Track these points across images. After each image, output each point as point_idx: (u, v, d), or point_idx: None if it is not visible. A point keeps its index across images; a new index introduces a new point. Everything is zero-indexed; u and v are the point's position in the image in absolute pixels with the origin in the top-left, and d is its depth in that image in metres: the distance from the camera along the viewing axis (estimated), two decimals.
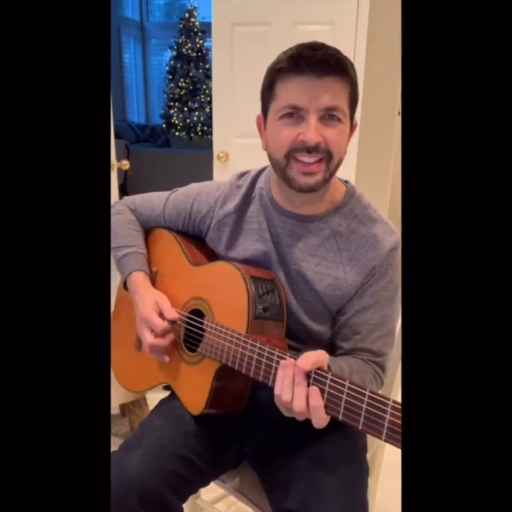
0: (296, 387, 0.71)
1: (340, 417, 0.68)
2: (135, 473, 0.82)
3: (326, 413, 0.70)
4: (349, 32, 1.98)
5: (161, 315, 0.94)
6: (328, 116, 0.79)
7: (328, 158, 0.81)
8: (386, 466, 1.17)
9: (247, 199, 0.97)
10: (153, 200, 1.08)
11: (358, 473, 0.89)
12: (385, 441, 0.63)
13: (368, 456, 1.01)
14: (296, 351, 0.92)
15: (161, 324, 0.91)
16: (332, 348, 0.93)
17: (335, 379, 0.69)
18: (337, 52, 0.79)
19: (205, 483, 0.96)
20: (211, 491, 1.28)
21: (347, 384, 0.68)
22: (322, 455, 0.87)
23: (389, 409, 0.63)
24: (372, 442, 1.08)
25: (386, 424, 0.63)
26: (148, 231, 1.10)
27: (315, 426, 0.71)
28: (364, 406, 0.66)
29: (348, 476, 0.85)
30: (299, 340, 0.93)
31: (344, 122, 0.82)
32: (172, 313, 0.93)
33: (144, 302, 0.95)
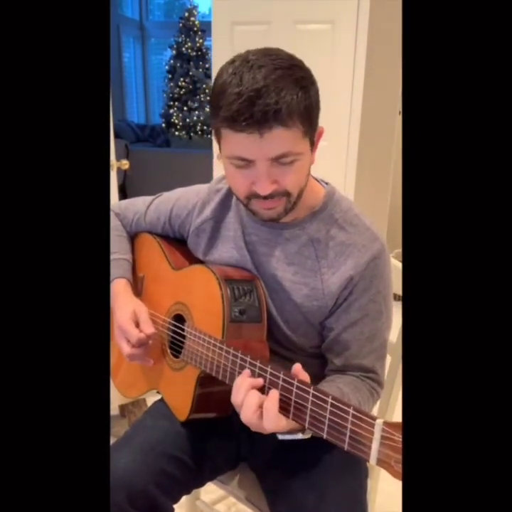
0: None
1: (307, 425, 0.66)
2: (123, 472, 0.82)
3: (289, 418, 0.68)
4: (349, 31, 1.98)
5: (138, 325, 0.92)
6: (280, 162, 0.74)
7: (287, 196, 0.78)
8: None
9: (225, 204, 0.94)
10: (138, 203, 1.08)
11: (358, 476, 0.88)
12: (348, 450, 0.61)
13: None
14: (281, 357, 0.90)
15: (136, 334, 0.90)
16: (316, 357, 0.91)
17: (301, 386, 0.66)
18: (278, 95, 0.69)
19: (199, 484, 0.96)
20: (211, 492, 1.28)
21: (311, 391, 0.65)
22: (321, 458, 0.86)
23: (350, 418, 0.61)
24: None
25: (348, 432, 0.61)
26: (134, 237, 1.10)
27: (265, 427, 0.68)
28: (327, 414, 0.63)
29: (348, 478, 0.85)
30: (283, 347, 0.91)
31: (300, 157, 0.76)
32: (149, 328, 0.91)
33: (122, 311, 0.94)
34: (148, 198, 1.07)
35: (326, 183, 0.90)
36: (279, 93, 0.69)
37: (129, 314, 0.93)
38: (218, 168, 2.32)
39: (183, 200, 1.00)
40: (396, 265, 1.01)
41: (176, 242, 1.04)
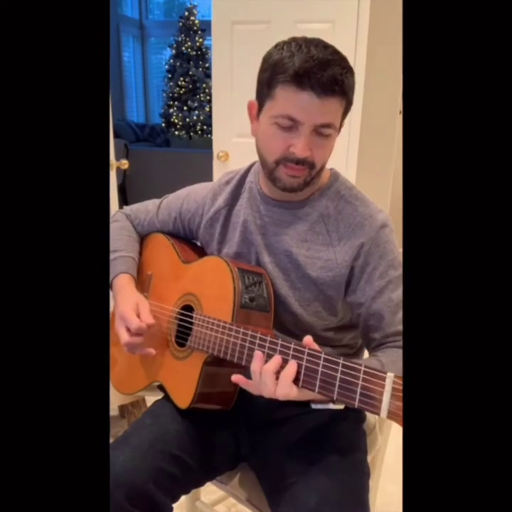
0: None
1: (317, 390, 0.69)
2: (121, 469, 0.82)
3: (301, 386, 0.71)
4: (350, 30, 1.97)
5: (139, 316, 0.94)
6: (320, 131, 0.82)
7: (311, 167, 0.85)
8: (386, 468, 1.16)
9: (236, 193, 1.00)
10: (149, 205, 1.14)
11: (360, 477, 0.88)
12: (359, 406, 0.64)
13: (369, 458, 1.00)
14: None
15: (136, 322, 0.92)
16: (322, 341, 0.92)
17: (312, 353, 0.70)
18: (342, 69, 0.78)
19: (199, 484, 0.96)
20: (211, 493, 1.28)
21: (323, 356, 0.69)
22: (322, 458, 0.86)
23: (361, 375, 0.64)
24: (373, 445, 1.07)
25: (359, 389, 0.64)
26: (144, 237, 1.13)
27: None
28: (338, 374, 0.67)
29: (350, 479, 0.85)
30: (288, 332, 0.93)
31: (333, 136, 0.84)
32: (148, 318, 0.94)
33: (125, 302, 0.97)
34: (157, 200, 1.13)
35: (331, 169, 0.97)
36: (343, 68, 0.79)
37: (132, 305, 0.96)
38: (218, 168, 2.32)
39: (193, 195, 1.05)
40: None
41: (186, 240, 1.08)
